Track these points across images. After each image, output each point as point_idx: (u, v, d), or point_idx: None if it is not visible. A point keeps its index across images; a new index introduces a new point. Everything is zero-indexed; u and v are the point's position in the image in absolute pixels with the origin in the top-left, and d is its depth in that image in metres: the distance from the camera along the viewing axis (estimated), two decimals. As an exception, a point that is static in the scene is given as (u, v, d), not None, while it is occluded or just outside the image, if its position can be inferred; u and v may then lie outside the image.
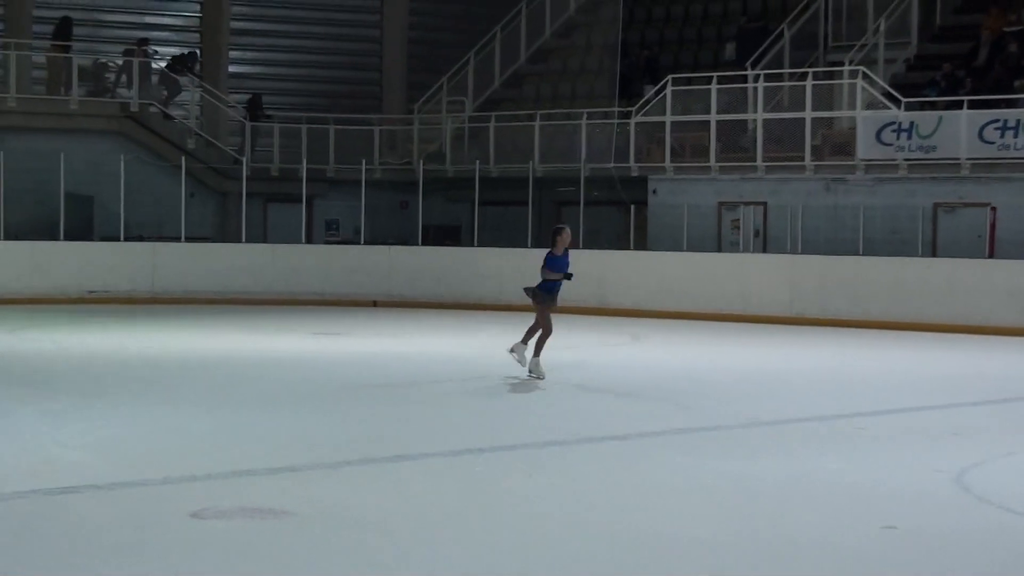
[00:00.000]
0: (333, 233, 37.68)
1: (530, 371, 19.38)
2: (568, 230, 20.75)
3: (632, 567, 9.25)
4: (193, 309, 31.17)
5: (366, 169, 35.43)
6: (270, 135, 37.90)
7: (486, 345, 24.82)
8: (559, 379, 19.63)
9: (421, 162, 36.02)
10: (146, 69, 36.57)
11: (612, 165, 33.89)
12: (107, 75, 36.66)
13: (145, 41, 37.34)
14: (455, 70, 39.00)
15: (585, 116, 34.73)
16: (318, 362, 21.45)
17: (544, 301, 19.89)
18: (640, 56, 37.70)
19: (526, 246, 33.99)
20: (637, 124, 33.73)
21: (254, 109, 38.38)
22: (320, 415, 15.82)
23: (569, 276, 20.30)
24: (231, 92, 39.89)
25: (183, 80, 36.92)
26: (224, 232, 36.38)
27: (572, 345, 25.35)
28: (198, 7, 40.86)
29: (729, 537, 10.03)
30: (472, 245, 34.87)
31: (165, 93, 36.92)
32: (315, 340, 25.05)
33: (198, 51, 40.06)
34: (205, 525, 10.07)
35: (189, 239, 33.91)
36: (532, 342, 19.62)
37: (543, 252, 33.75)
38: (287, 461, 12.65)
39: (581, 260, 32.68)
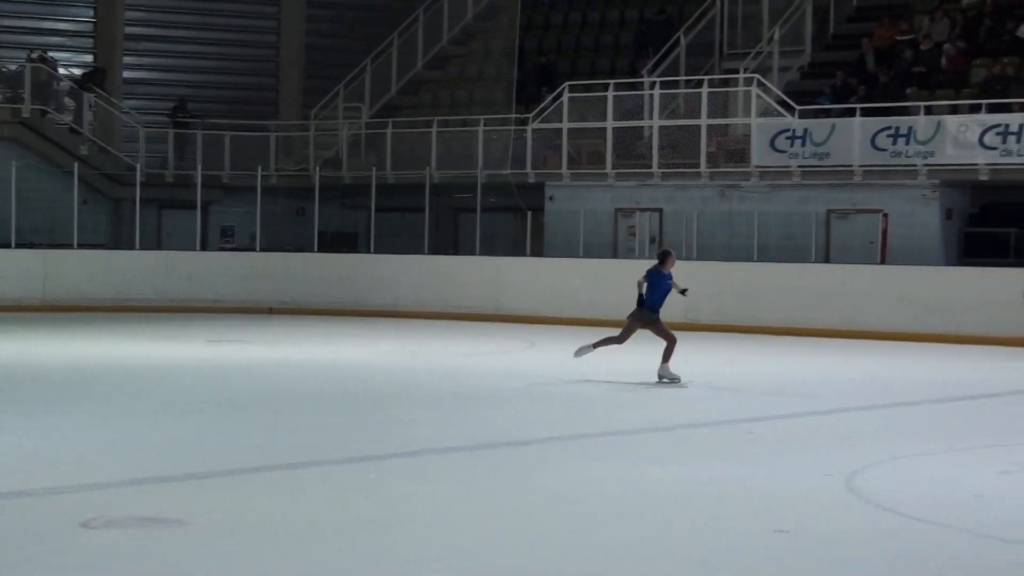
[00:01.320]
0: (228, 240, 37.45)
1: (662, 377, 19.88)
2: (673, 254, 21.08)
3: (529, 572, 9.26)
4: (86, 317, 30.87)
5: (262, 175, 35.28)
6: (164, 141, 37.61)
7: (383, 352, 24.79)
8: (455, 386, 19.65)
9: (317, 168, 35.93)
10: (50, 79, 36.23)
11: (509, 171, 33.96)
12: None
13: (45, 51, 37.02)
14: (352, 76, 38.93)
15: (482, 123, 34.77)
16: (214, 370, 21.31)
17: (647, 317, 20.32)
18: (536, 62, 37.82)
19: (423, 252, 34.05)
20: (534, 131, 33.84)
21: (179, 114, 38.18)
22: (216, 423, 15.72)
23: (683, 291, 20.94)
24: (126, 98, 39.60)
25: (89, 96, 36.54)
26: (118, 239, 36.09)
27: (468, 352, 25.39)
28: (92, 12, 40.52)
29: (622, 542, 10.07)
30: (369, 252, 34.80)
31: (73, 106, 36.62)
32: (211, 348, 24.90)
33: (92, 57, 39.73)
34: (95, 535, 9.97)
35: (82, 246, 33.58)
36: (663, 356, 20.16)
37: (441, 258, 33.98)
38: (181, 469, 12.56)
39: (478, 266, 32.91)
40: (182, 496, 11.46)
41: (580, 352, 20.57)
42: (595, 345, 20.57)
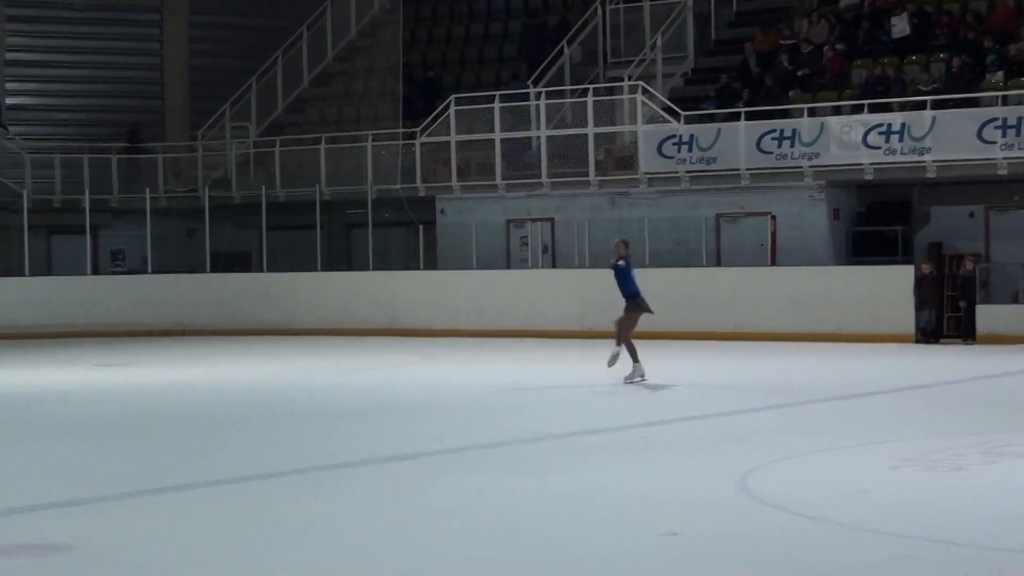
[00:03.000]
0: (119, 263, 37.13)
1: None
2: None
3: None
4: (-24, 346, 30.47)
5: (151, 197, 35.02)
6: (51, 166, 37.19)
7: (276, 371, 24.68)
8: (350, 401, 19.59)
9: (207, 189, 35.71)
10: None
11: (399, 186, 33.91)
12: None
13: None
14: (238, 95, 38.71)
15: (370, 138, 34.71)
16: (104, 394, 21.12)
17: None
18: (423, 76, 37.81)
19: (316, 269, 33.96)
20: (422, 144, 33.81)
21: (134, 139, 38.01)
22: (105, 447, 15.57)
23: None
24: (10, 124, 39.10)
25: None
26: (7, 266, 35.63)
27: (364, 367, 25.33)
28: (-29, 39, 40.05)
29: (517, 554, 10.07)
30: (262, 271, 34.64)
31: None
32: (101, 372, 24.67)
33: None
34: (-18, 565, 9.85)
35: (-30, 275, 33.18)
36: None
37: (334, 275, 33.81)
38: (70, 495, 12.43)
39: (372, 282, 32.85)
40: (69, 521, 11.34)
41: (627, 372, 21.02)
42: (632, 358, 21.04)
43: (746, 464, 13.38)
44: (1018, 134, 28.04)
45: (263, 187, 34.86)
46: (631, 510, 11.42)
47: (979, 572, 9.35)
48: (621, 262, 21.36)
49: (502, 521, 11.12)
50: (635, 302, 21.20)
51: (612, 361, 20.94)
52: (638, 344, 21.08)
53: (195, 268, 35.14)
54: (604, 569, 9.54)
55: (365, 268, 33.91)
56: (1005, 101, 28.89)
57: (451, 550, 10.13)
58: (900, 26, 31.68)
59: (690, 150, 30.65)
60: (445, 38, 40.19)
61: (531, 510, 11.53)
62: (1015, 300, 28.29)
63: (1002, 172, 28.44)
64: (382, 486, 12.82)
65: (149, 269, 34.86)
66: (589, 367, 24.05)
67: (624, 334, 21.03)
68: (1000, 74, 29.90)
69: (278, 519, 11.33)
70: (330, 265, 34.83)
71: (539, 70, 34.54)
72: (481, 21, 39.96)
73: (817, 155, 29.62)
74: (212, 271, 34.70)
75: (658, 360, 21.91)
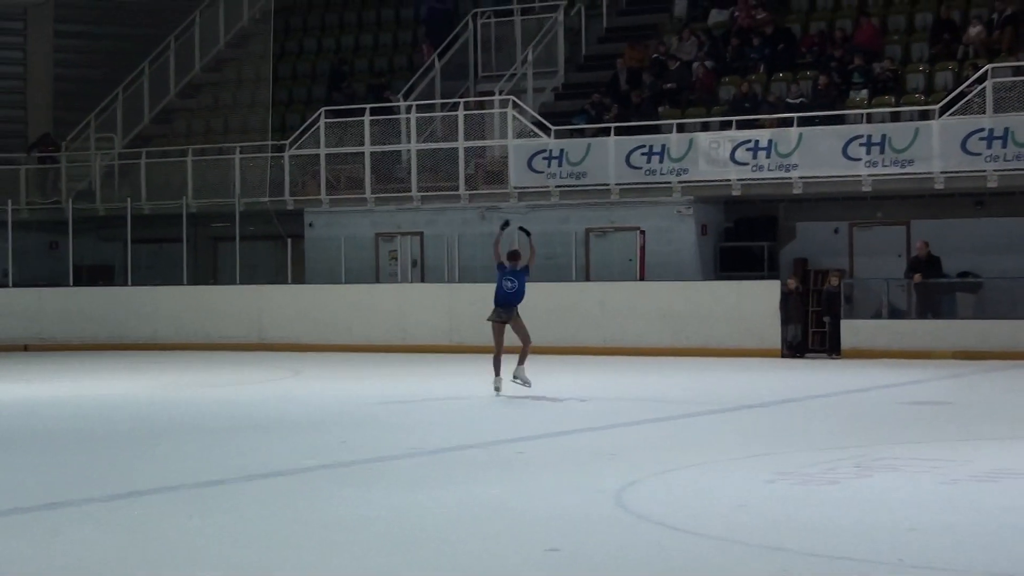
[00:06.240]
0: (-21, 277, 36.52)
1: (517, 378, 21.12)
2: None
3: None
4: None
5: (13, 209, 34.43)
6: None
7: (142, 386, 24.34)
8: (220, 416, 19.36)
9: (70, 201, 35.21)
10: None
11: (267, 199, 33.68)
12: None
13: None
14: (103, 106, 38.25)
15: (238, 150, 34.43)
16: (-33, 410, 20.69)
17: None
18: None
19: (182, 283, 33.62)
20: (291, 157, 33.60)
21: (44, 147, 37.46)
22: (-31, 465, 15.23)
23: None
24: None
25: None
26: None
27: (232, 382, 25.07)
28: None
29: (397, 569, 9.98)
30: (126, 284, 34.21)
31: None
32: (-37, 388, 24.18)
33: None
34: None
35: None
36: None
37: (200, 289, 33.47)
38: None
39: (238, 296, 32.56)
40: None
41: (522, 380, 21.21)
42: (521, 366, 21.32)
43: (621, 479, 13.38)
44: (882, 151, 28.48)
45: (128, 199, 34.46)
46: (510, 525, 11.36)
47: (858, 586, 9.41)
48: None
49: (386, 536, 11.02)
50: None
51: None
52: (504, 358, 21.28)
53: (57, 281, 34.62)
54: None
55: (232, 282, 33.63)
56: (869, 119, 29.32)
57: (337, 564, 10.01)
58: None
59: (560, 165, 30.78)
60: (315, 50, 39.98)
61: (412, 525, 11.42)
62: (878, 315, 28.68)
63: (866, 189, 28.86)
64: (260, 502, 12.64)
65: (10, 282, 34.28)
66: (459, 381, 24.02)
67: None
68: (865, 92, 30.33)
69: (156, 537, 11.12)
70: (196, 279, 34.51)
71: (409, 84, 34.51)
72: (351, 33, 39.80)
73: (686, 170, 29.88)
74: (75, 285, 34.21)
75: (531, 375, 21.88)
